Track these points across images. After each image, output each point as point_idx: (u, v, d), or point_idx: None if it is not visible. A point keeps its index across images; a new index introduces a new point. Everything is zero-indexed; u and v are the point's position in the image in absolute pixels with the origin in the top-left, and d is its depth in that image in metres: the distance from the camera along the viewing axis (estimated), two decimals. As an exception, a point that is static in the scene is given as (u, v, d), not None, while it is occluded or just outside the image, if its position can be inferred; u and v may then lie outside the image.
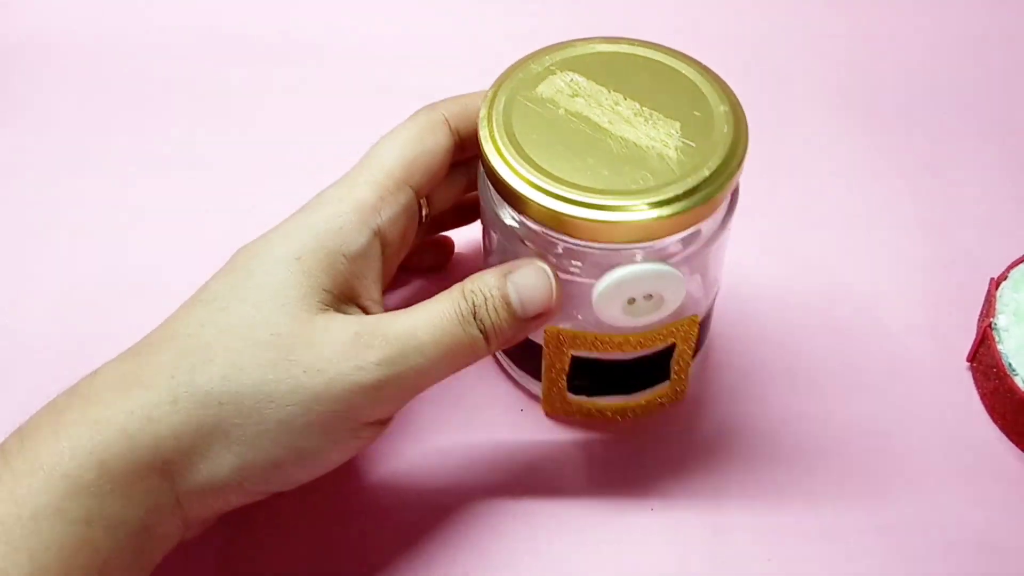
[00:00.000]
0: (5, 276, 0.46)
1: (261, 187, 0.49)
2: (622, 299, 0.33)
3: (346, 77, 0.55)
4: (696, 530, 0.37)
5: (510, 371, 0.41)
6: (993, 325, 0.39)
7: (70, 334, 0.43)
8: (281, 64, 0.56)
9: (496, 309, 0.32)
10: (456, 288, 0.33)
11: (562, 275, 0.33)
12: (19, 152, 0.51)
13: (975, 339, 0.40)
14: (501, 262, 0.37)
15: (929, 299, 0.44)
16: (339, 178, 0.35)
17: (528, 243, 0.34)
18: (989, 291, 0.40)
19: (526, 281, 0.32)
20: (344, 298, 0.32)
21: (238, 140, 0.52)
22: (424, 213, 0.37)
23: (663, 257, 0.33)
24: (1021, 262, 0.41)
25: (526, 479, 0.38)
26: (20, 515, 0.27)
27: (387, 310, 0.34)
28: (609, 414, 0.39)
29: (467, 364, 0.33)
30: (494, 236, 0.36)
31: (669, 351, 0.37)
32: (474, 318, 0.32)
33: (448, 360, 0.32)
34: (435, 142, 0.35)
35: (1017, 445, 0.39)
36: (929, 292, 0.44)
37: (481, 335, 0.32)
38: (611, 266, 0.32)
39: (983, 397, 0.40)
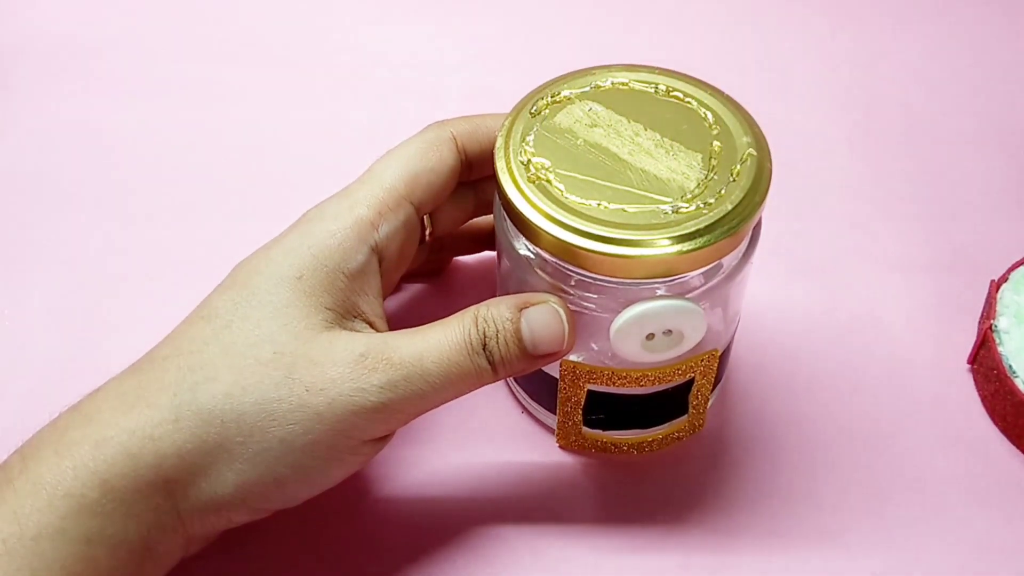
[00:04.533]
0: (3, 281, 0.45)
1: (261, 194, 0.49)
2: (640, 335, 0.32)
3: (350, 83, 0.55)
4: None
5: (524, 403, 0.40)
6: (993, 327, 0.38)
7: (68, 339, 0.43)
8: (282, 69, 0.56)
9: (507, 342, 0.32)
10: (468, 313, 0.32)
11: (576, 308, 0.33)
12: (17, 156, 0.51)
13: (976, 341, 0.40)
14: (516, 291, 0.36)
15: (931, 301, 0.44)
16: (340, 191, 0.35)
17: (542, 274, 0.33)
18: (989, 293, 0.39)
19: (540, 319, 0.32)
20: (347, 314, 0.32)
21: (238, 146, 0.52)
22: (427, 232, 0.37)
23: (683, 292, 0.32)
24: (1021, 264, 0.40)
25: (531, 500, 0.38)
26: (22, 535, 0.27)
27: (385, 316, 0.34)
28: (625, 448, 0.38)
29: (471, 390, 0.32)
30: (508, 265, 0.35)
31: (688, 385, 0.36)
32: (483, 348, 0.31)
33: (453, 387, 0.32)
34: (439, 159, 0.35)
35: (1017, 447, 0.39)
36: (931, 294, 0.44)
37: (488, 366, 0.32)
38: (628, 301, 0.32)
39: (983, 399, 0.40)
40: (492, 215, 0.40)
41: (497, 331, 0.32)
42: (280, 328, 0.31)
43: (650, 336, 0.32)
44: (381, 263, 0.34)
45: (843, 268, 0.45)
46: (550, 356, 0.32)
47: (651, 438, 0.38)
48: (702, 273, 0.32)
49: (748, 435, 0.39)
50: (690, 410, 0.37)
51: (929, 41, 0.57)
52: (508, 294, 0.36)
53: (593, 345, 0.35)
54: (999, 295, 0.39)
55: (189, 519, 0.30)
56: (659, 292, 0.32)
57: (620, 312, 0.32)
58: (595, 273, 0.31)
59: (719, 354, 0.35)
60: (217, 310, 0.32)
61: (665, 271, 0.30)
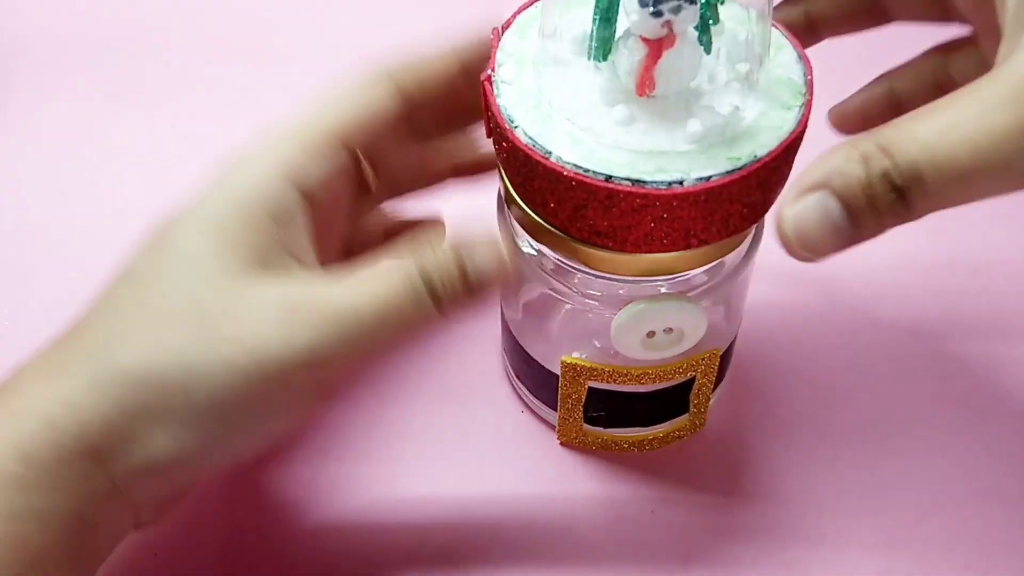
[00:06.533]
0: (3, 280, 0.46)
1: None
2: (641, 332, 0.32)
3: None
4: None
5: (526, 399, 0.40)
6: (493, 79, 0.30)
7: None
8: (283, 68, 0.56)
9: (451, 280, 0.29)
10: (406, 256, 0.29)
11: (579, 306, 0.33)
12: (15, 151, 0.51)
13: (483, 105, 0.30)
14: (517, 288, 0.36)
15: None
16: (262, 134, 0.32)
17: (544, 272, 0.33)
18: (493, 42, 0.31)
19: (481, 250, 0.29)
20: (273, 260, 0.30)
21: (238, 145, 0.52)
22: (371, 179, 0.34)
23: (686, 290, 0.32)
24: (526, 8, 0.32)
25: (532, 498, 0.38)
26: None
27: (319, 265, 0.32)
28: (626, 446, 0.38)
29: (416, 337, 0.30)
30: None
31: (689, 384, 0.36)
32: (427, 291, 0.29)
33: (394, 336, 0.29)
34: (374, 97, 0.32)
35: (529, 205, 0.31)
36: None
37: (433, 307, 0.29)
38: (630, 299, 0.32)
39: (502, 168, 0.31)
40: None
41: (440, 267, 0.29)
42: (197, 280, 0.29)
43: (650, 334, 0.32)
44: (315, 210, 0.31)
45: (845, 268, 0.45)
46: (493, 288, 0.30)
47: (652, 436, 0.38)
48: (704, 271, 0.32)
49: (750, 435, 0.39)
50: (691, 409, 0.37)
51: (930, 41, 0.57)
52: (510, 291, 0.37)
53: (596, 343, 0.35)
54: (502, 42, 0.31)
55: (127, 486, 0.29)
56: (662, 290, 0.32)
57: (621, 310, 0.32)
58: (597, 270, 0.31)
59: (720, 353, 0.35)
60: (135, 270, 0.30)
61: (665, 269, 0.30)
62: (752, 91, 0.29)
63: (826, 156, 0.25)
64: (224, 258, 0.29)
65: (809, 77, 0.29)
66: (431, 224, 0.40)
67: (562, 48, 0.30)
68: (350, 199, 0.34)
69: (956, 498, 0.38)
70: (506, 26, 0.31)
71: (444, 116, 0.34)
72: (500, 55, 0.30)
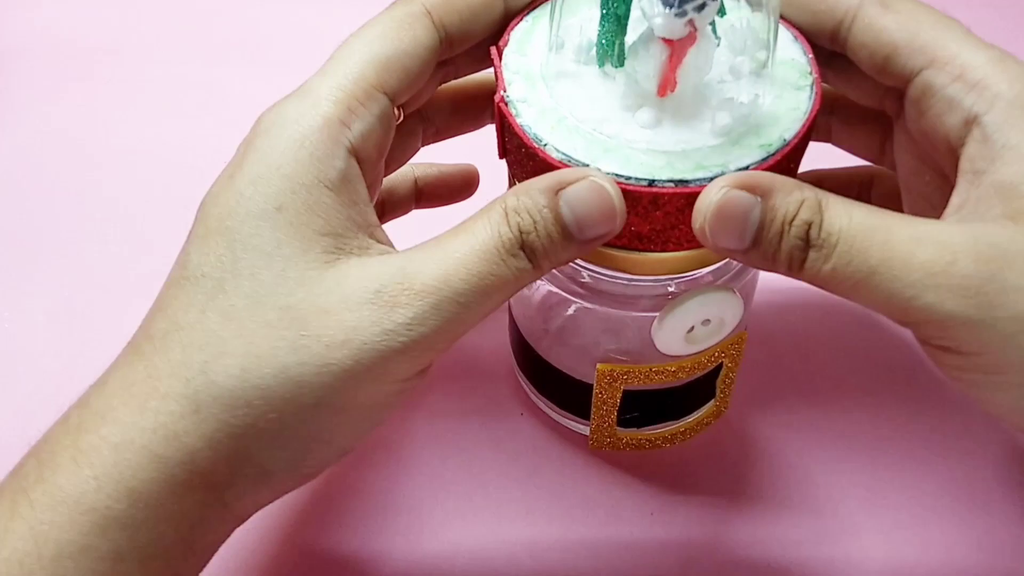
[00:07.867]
0: (3, 283, 0.46)
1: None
2: (684, 329, 0.32)
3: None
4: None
5: (548, 412, 0.39)
6: (507, 99, 0.29)
7: (69, 341, 0.43)
8: (282, 71, 0.54)
9: (548, 233, 0.26)
10: (495, 208, 0.27)
11: (589, 306, 0.33)
12: (17, 157, 0.51)
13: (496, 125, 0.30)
14: (543, 301, 0.36)
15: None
16: (297, 88, 0.29)
17: (564, 275, 0.33)
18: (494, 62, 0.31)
19: (582, 197, 0.26)
20: (345, 233, 0.28)
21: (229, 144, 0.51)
22: (399, 116, 0.32)
23: (695, 287, 0.32)
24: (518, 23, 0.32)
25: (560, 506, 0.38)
26: (41, 555, 0.25)
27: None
28: (659, 442, 0.38)
29: (512, 295, 0.27)
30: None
31: (717, 370, 0.36)
32: (520, 247, 0.26)
33: (490, 301, 0.27)
34: (413, 39, 0.29)
35: None
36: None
37: (529, 264, 0.27)
38: (670, 296, 0.32)
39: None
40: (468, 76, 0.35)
41: (535, 222, 0.26)
42: (278, 278, 0.27)
43: (691, 328, 0.32)
44: (361, 166, 0.29)
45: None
46: (601, 237, 0.27)
47: (683, 428, 0.38)
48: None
49: (760, 411, 0.40)
50: (717, 395, 0.38)
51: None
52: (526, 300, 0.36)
53: (624, 345, 0.35)
54: (504, 62, 0.30)
55: (239, 504, 0.28)
56: (705, 282, 0.32)
57: (660, 310, 0.32)
58: (632, 274, 0.31)
59: (746, 335, 0.35)
60: (201, 268, 0.27)
61: (706, 260, 0.31)
62: (760, 77, 0.29)
63: (775, 177, 0.26)
64: (304, 248, 0.27)
65: (810, 55, 0.30)
66: (464, 174, 0.40)
67: (565, 59, 0.30)
68: (387, 145, 0.31)
69: (982, 494, 0.38)
70: (503, 45, 0.31)
71: (482, 55, 0.32)
72: (507, 74, 0.30)
